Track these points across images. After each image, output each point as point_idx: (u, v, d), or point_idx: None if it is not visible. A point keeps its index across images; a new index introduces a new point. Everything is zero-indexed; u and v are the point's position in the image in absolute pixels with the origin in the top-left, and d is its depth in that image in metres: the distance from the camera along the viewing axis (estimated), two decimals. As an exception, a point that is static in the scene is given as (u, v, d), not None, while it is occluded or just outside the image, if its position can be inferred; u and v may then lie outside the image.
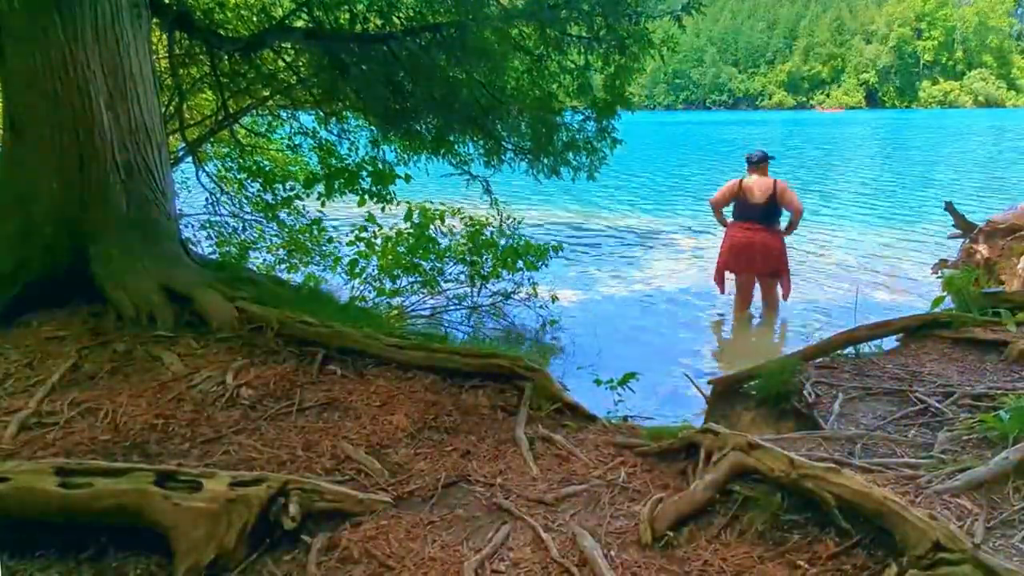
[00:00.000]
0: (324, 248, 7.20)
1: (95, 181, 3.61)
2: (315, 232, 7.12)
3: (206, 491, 2.02)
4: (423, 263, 6.91)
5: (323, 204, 6.91)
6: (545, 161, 6.00)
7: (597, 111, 5.85)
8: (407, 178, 6.51)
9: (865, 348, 3.96)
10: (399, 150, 6.42)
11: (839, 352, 3.91)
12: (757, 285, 7.01)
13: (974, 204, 13.93)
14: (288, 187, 6.88)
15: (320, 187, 6.57)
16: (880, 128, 49.95)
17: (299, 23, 5.35)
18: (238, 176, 6.83)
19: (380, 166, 6.36)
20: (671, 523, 2.09)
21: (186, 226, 6.44)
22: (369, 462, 2.50)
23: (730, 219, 7.01)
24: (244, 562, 1.95)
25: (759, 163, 6.72)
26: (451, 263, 7.15)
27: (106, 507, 1.99)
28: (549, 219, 13.89)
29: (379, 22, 5.18)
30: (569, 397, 3.11)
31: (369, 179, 6.41)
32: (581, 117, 5.99)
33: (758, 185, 6.62)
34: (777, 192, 6.57)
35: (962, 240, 8.98)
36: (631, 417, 4.08)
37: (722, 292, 7.17)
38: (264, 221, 6.96)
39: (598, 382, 4.45)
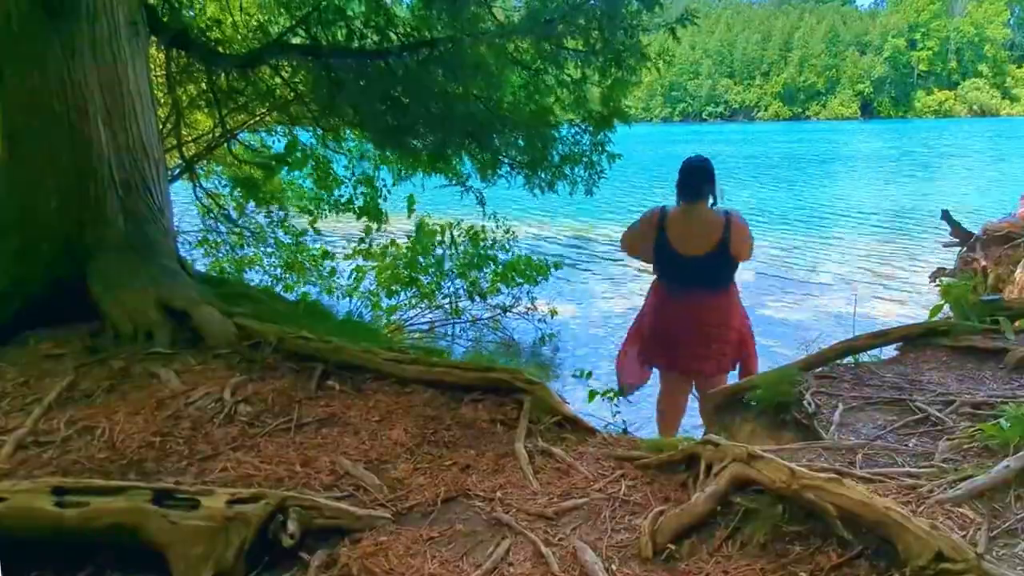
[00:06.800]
0: (323, 269, 7.22)
1: (93, 199, 3.61)
2: (311, 248, 7.14)
3: (204, 509, 2.01)
4: (421, 277, 6.92)
5: (314, 222, 6.97)
6: (542, 175, 6.02)
7: (594, 124, 5.88)
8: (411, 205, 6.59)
9: (864, 357, 3.95)
10: (396, 166, 6.45)
11: (838, 362, 3.90)
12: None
13: (970, 212, 13.95)
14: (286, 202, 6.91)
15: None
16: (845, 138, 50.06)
17: (296, 40, 5.38)
18: (235, 195, 6.84)
19: (375, 184, 6.41)
20: (672, 536, 2.07)
21: (183, 243, 6.45)
22: (368, 478, 2.48)
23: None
24: (242, 580, 1.93)
25: (696, 187, 3.84)
26: (450, 277, 7.16)
27: (103, 526, 1.97)
28: (549, 232, 13.91)
29: (376, 38, 5.21)
30: (568, 410, 3.09)
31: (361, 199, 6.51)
32: (578, 131, 6.02)
33: (697, 223, 3.84)
34: (732, 234, 3.79)
35: (959, 248, 9.01)
36: (631, 429, 4.08)
37: (629, 392, 4.38)
38: (261, 238, 6.97)
39: (593, 394, 4.43)
